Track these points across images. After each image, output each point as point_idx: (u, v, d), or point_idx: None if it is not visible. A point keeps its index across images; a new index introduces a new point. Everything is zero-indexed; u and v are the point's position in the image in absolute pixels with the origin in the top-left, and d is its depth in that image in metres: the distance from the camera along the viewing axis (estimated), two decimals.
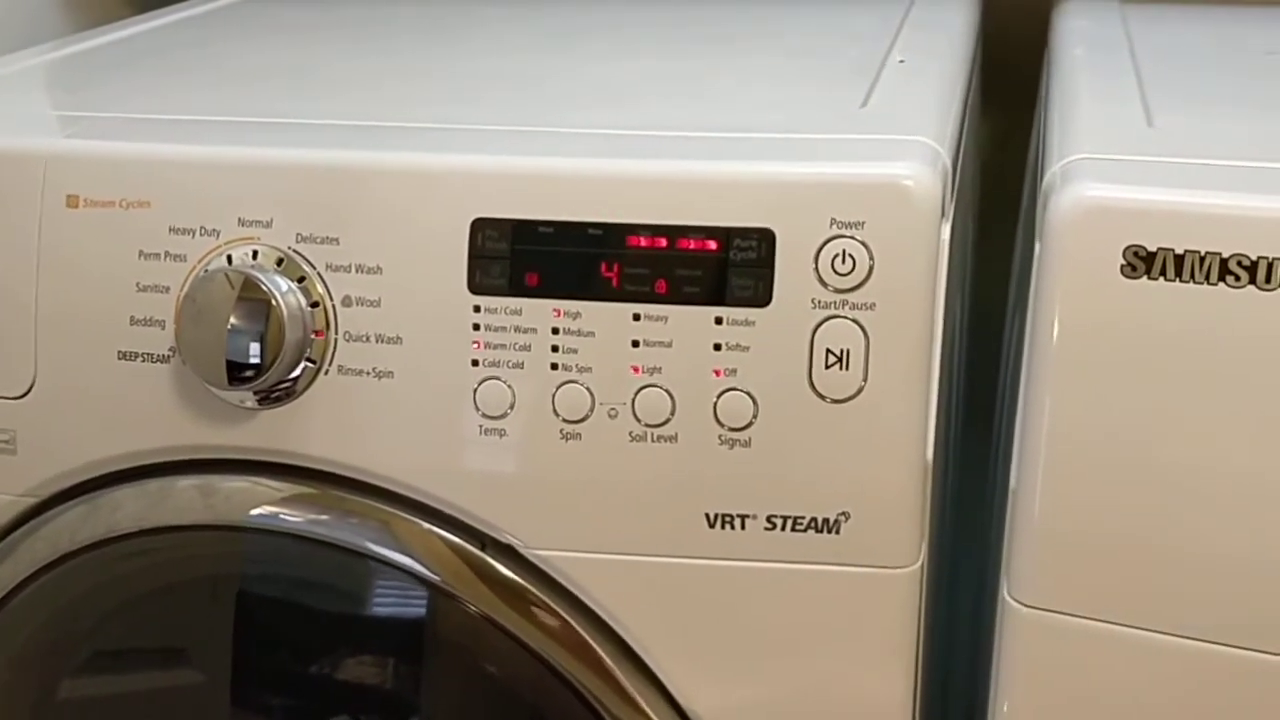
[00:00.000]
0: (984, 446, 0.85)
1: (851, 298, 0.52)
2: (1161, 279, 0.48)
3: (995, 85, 0.97)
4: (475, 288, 0.55)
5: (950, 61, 0.72)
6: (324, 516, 0.58)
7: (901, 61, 0.70)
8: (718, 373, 0.53)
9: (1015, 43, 0.94)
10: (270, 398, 0.57)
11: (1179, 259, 0.48)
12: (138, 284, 0.58)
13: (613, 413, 0.54)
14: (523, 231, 0.54)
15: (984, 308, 0.93)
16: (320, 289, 0.56)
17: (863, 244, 0.51)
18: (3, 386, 0.60)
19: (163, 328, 0.57)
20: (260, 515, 0.58)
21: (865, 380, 0.52)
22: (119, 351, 0.58)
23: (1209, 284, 0.47)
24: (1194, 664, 0.50)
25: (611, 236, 0.53)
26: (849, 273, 0.52)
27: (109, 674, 0.69)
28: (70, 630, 0.66)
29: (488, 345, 0.55)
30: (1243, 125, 0.60)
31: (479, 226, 0.54)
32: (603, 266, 0.53)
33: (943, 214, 0.53)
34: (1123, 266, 0.48)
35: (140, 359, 0.58)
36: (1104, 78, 0.67)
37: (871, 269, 0.51)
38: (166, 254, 0.57)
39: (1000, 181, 0.99)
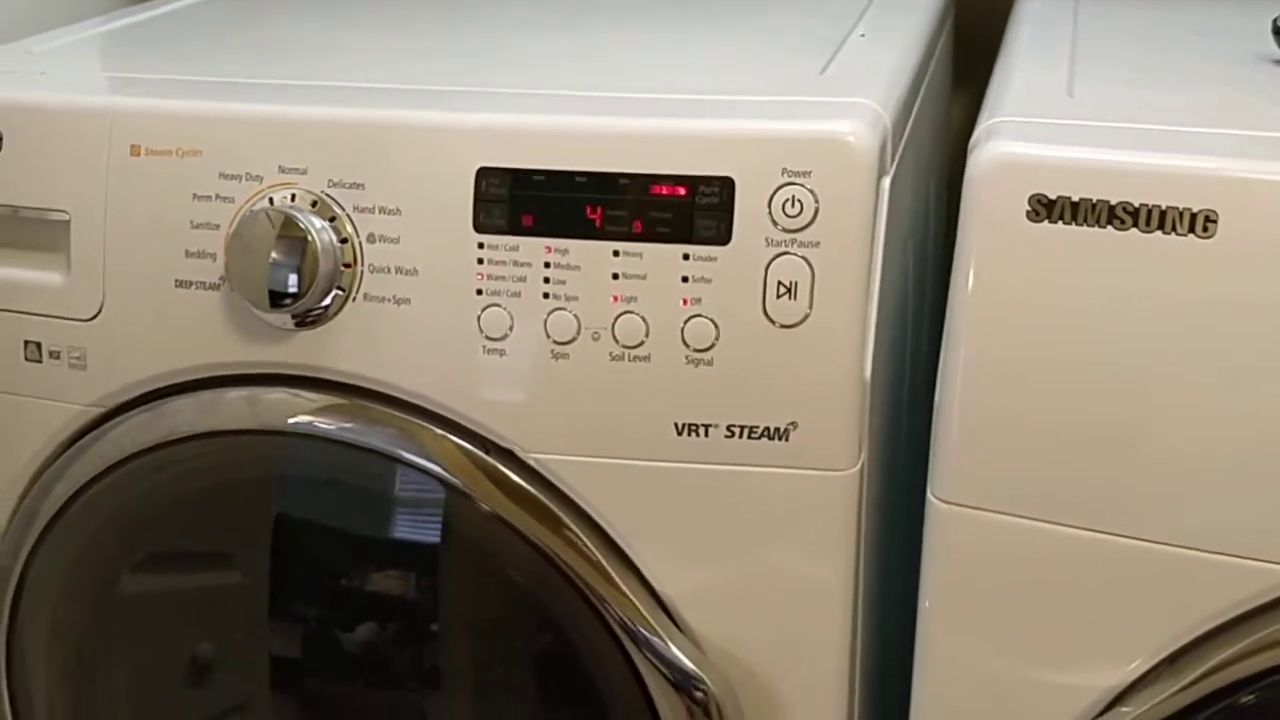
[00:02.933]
0: None
1: (800, 237, 0.58)
2: (1060, 223, 0.54)
3: (971, 68, 1.01)
4: (479, 227, 0.61)
5: (909, 38, 0.78)
6: (351, 423, 0.65)
7: (863, 36, 0.76)
8: (685, 302, 0.59)
9: (991, 28, 0.99)
10: (306, 321, 0.64)
11: (1075, 205, 0.53)
12: (191, 222, 0.64)
13: (595, 336, 0.60)
14: (520, 179, 0.60)
15: None
16: (349, 228, 0.63)
17: (810, 190, 0.57)
18: (75, 310, 0.67)
19: (214, 260, 0.64)
20: (298, 422, 0.65)
21: (811, 309, 0.58)
22: (176, 280, 0.65)
23: (1099, 227, 0.53)
24: (1104, 556, 0.55)
25: (596, 183, 0.59)
26: (797, 215, 0.58)
27: (163, 573, 0.76)
28: (130, 529, 0.72)
29: (490, 277, 0.61)
30: (1152, 96, 0.65)
31: (483, 175, 0.61)
32: (588, 209, 0.60)
33: (883, 168, 0.59)
34: (1028, 212, 0.54)
35: (194, 286, 0.65)
36: (1039, 55, 0.72)
37: (817, 212, 0.57)
38: (217, 196, 0.64)
39: None
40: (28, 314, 0.68)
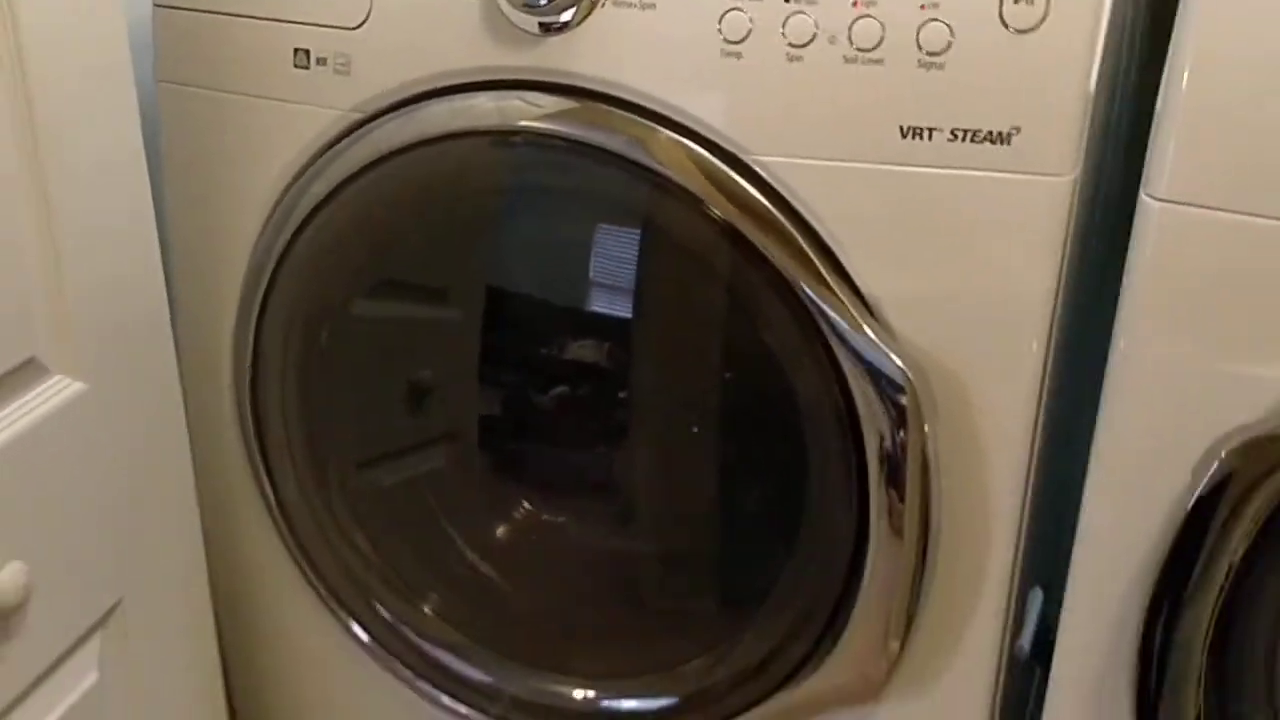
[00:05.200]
0: None
1: None
2: None
3: None
4: None
5: None
6: (588, 127, 0.67)
7: None
8: (923, 6, 0.60)
9: None
10: (553, 27, 0.67)
11: None
12: None
13: (832, 39, 0.62)
14: None
15: None
16: None
17: None
18: (344, 18, 0.71)
19: None
20: (542, 124, 0.68)
21: (1047, 14, 0.59)
22: None
23: None
24: None
25: None
26: None
27: (389, 300, 0.81)
28: (372, 237, 0.76)
29: None
30: None
31: None
32: None
33: None
34: None
35: None
36: None
37: None
38: None
39: None
40: (299, 23, 0.73)
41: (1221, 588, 0.59)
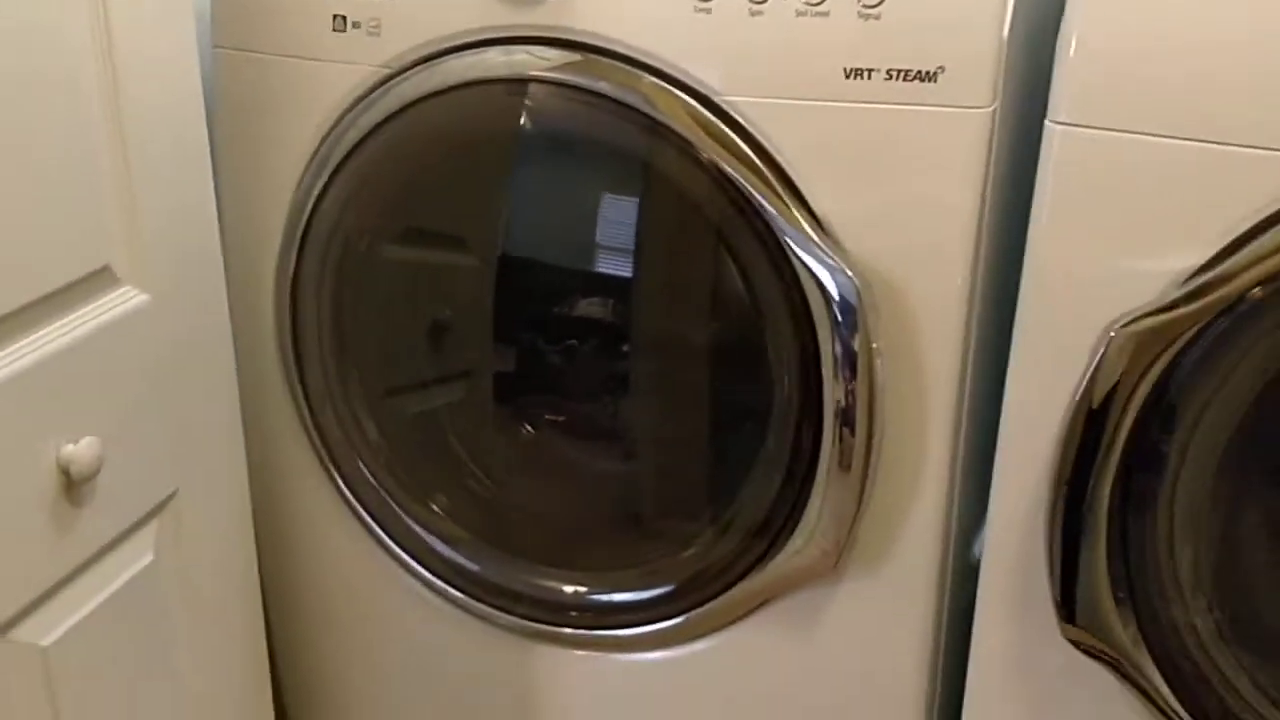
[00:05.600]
0: None
1: None
2: None
3: None
4: None
5: None
6: (588, 76, 0.78)
7: None
8: None
9: None
10: None
11: None
12: None
13: None
14: None
15: None
16: None
17: None
18: None
19: None
20: (545, 73, 0.79)
21: None
22: None
23: None
24: (1181, 158, 0.64)
25: None
26: None
27: (414, 246, 0.92)
28: (396, 182, 0.87)
29: None
30: None
31: None
32: None
33: None
34: None
35: None
36: None
37: None
38: None
39: None
40: None
41: (1120, 461, 0.68)
